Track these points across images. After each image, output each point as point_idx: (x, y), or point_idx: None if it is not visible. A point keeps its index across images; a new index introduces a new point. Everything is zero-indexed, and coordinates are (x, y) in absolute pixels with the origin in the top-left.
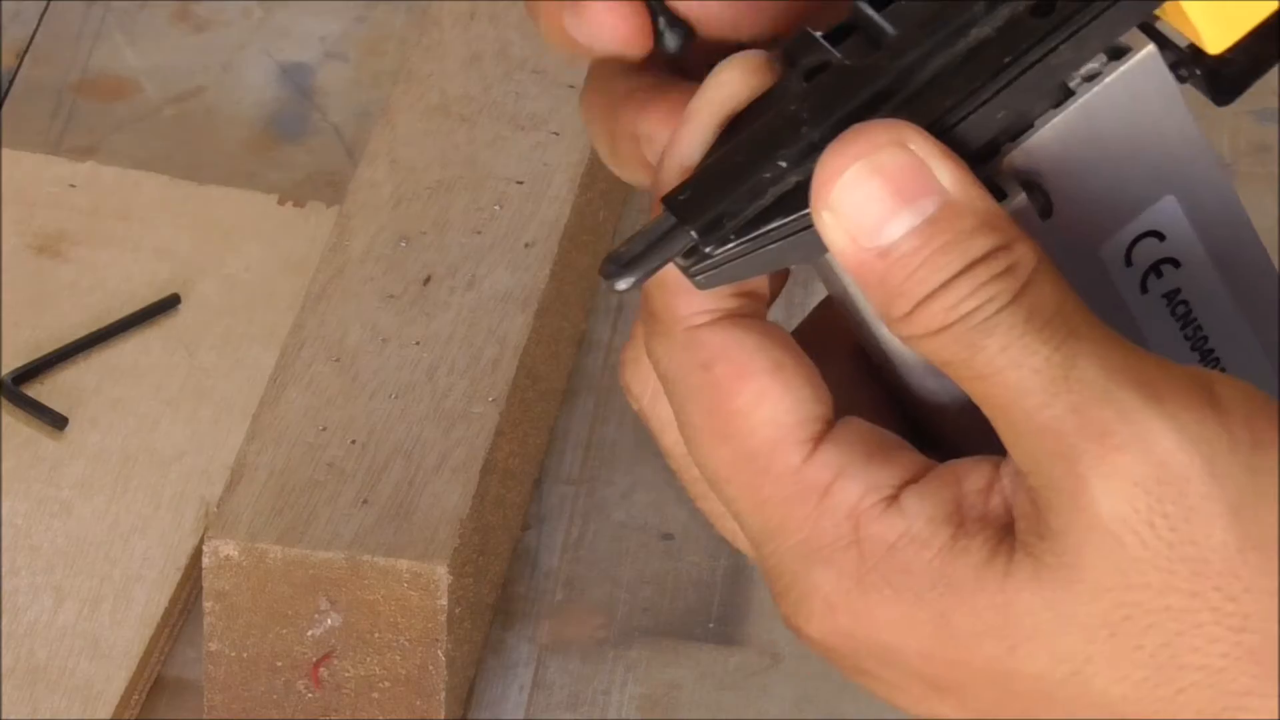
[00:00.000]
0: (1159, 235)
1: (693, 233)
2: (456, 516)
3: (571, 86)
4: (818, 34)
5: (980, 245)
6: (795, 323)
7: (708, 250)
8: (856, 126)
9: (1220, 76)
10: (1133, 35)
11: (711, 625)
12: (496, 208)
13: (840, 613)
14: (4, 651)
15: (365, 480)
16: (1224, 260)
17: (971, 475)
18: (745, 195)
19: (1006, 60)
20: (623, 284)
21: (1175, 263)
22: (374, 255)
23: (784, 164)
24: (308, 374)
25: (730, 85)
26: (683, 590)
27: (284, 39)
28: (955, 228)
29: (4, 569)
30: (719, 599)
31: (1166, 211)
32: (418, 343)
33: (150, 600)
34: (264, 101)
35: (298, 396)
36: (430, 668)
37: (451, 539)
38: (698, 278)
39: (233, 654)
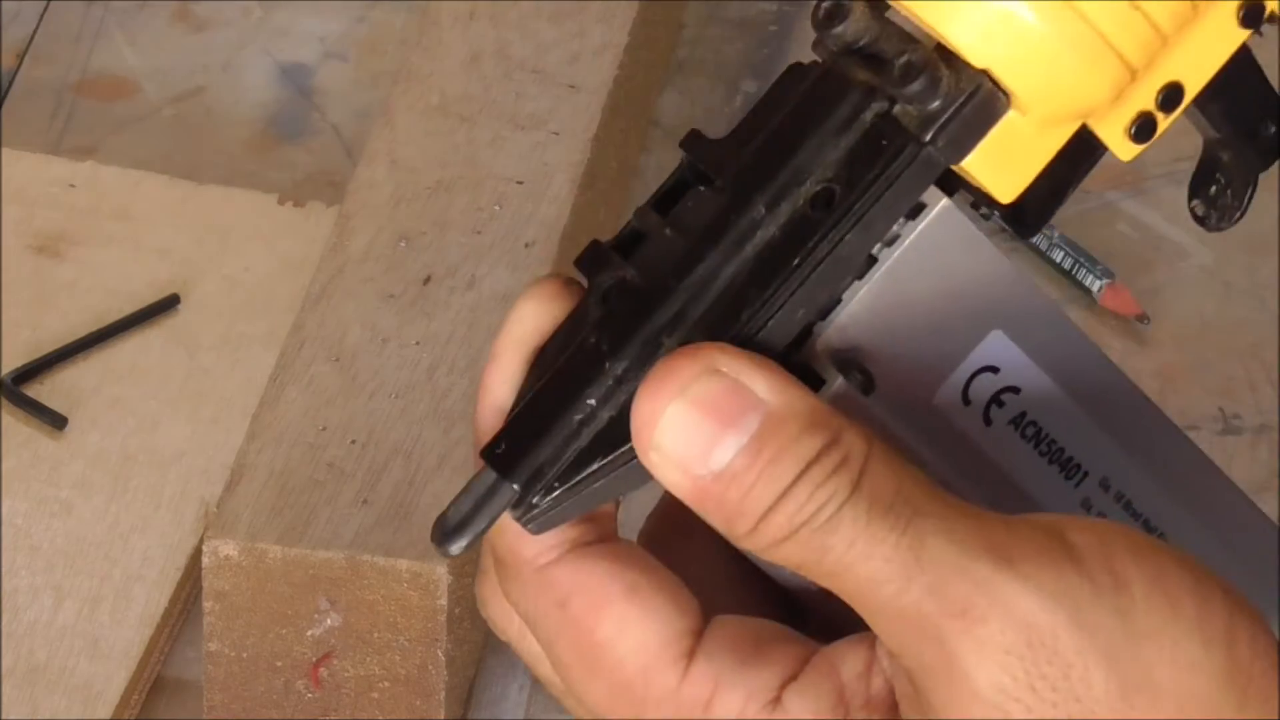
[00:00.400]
0: (993, 369)
1: (515, 487)
2: None
3: (572, 86)
4: (607, 243)
5: (809, 447)
6: None
7: (534, 501)
8: (665, 361)
9: (1023, 210)
10: (928, 190)
11: None
12: (496, 208)
13: None
14: (4, 651)
15: (365, 480)
16: (1064, 374)
17: (848, 660)
18: (561, 441)
19: (795, 262)
20: (455, 548)
21: (1015, 389)
22: (374, 255)
23: (593, 402)
24: (308, 374)
25: (530, 319)
26: None
27: (284, 39)
28: (781, 436)
29: (4, 569)
30: None
31: (995, 346)
32: (417, 342)
33: (150, 600)
34: (264, 101)
35: (298, 396)
36: (430, 668)
37: None
38: (529, 526)
39: (232, 654)
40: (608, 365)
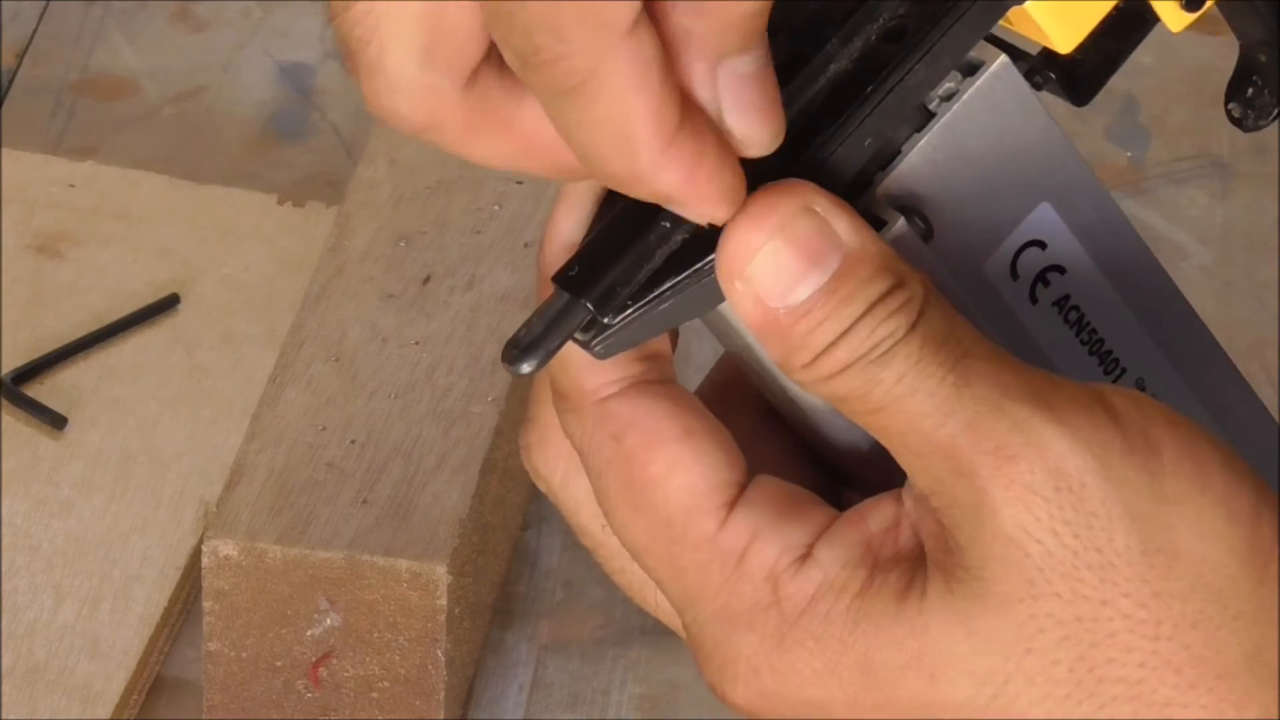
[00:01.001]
0: (1041, 244)
1: (589, 305)
2: (456, 516)
3: None
4: None
5: (877, 288)
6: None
7: (606, 320)
8: (764, 194)
9: (1075, 78)
10: (985, 49)
11: None
12: (496, 207)
13: (764, 675)
14: (4, 651)
15: (365, 480)
16: (1107, 260)
17: (876, 514)
18: (635, 260)
19: (869, 89)
20: (527, 367)
21: (1060, 269)
22: (373, 255)
23: (667, 224)
24: (307, 374)
25: None
26: None
27: (284, 39)
28: (855, 277)
29: (4, 569)
30: None
31: (1044, 219)
32: (417, 342)
33: (150, 600)
34: (264, 101)
35: (297, 396)
36: (430, 668)
37: (451, 539)
38: (597, 349)
39: (232, 654)
40: None
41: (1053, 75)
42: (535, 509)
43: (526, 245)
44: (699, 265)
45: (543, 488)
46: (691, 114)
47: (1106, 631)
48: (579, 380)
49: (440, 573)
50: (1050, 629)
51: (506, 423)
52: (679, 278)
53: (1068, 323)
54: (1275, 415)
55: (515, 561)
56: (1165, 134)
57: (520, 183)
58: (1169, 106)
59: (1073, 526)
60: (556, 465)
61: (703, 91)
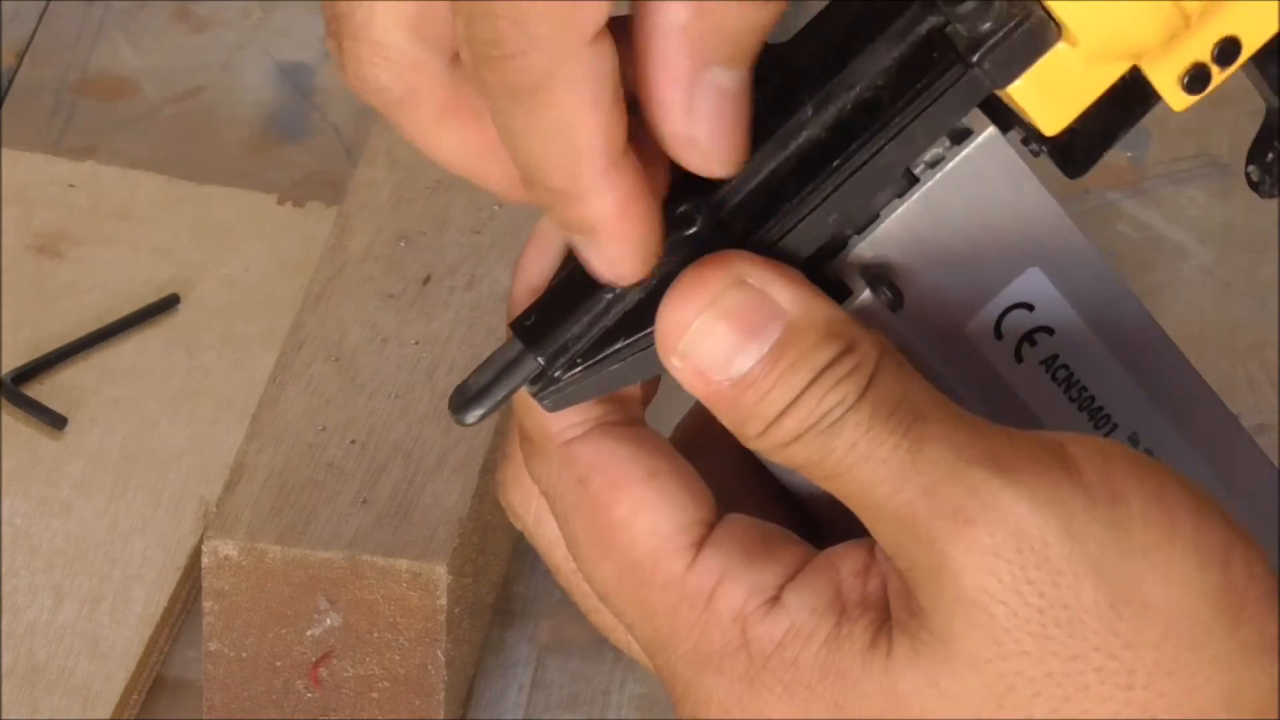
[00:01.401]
0: (1028, 306)
1: (539, 359)
2: (456, 516)
3: None
4: None
5: (824, 355)
6: None
7: (556, 375)
8: (694, 270)
9: (1070, 149)
10: (977, 116)
11: None
12: (496, 207)
13: (735, 716)
14: (4, 651)
15: (365, 480)
16: (1099, 321)
17: (847, 560)
18: (589, 318)
19: (835, 163)
20: (471, 418)
21: (1048, 330)
22: (373, 255)
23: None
24: (307, 374)
25: None
26: None
27: (284, 39)
28: (800, 346)
29: (4, 569)
30: None
31: (1032, 283)
32: (417, 342)
33: (150, 600)
34: (264, 101)
35: (297, 396)
36: (430, 668)
37: (451, 539)
38: (545, 402)
39: (232, 654)
40: None
41: (1045, 148)
42: None
43: None
44: (650, 329)
45: (518, 525)
46: (637, 145)
47: (1078, 685)
48: (542, 424)
49: (440, 573)
50: (1020, 686)
51: (506, 423)
52: (629, 339)
53: (1055, 380)
54: (1278, 419)
55: (515, 561)
56: (1165, 134)
57: None
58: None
59: (1037, 585)
60: (529, 504)
61: (675, 94)
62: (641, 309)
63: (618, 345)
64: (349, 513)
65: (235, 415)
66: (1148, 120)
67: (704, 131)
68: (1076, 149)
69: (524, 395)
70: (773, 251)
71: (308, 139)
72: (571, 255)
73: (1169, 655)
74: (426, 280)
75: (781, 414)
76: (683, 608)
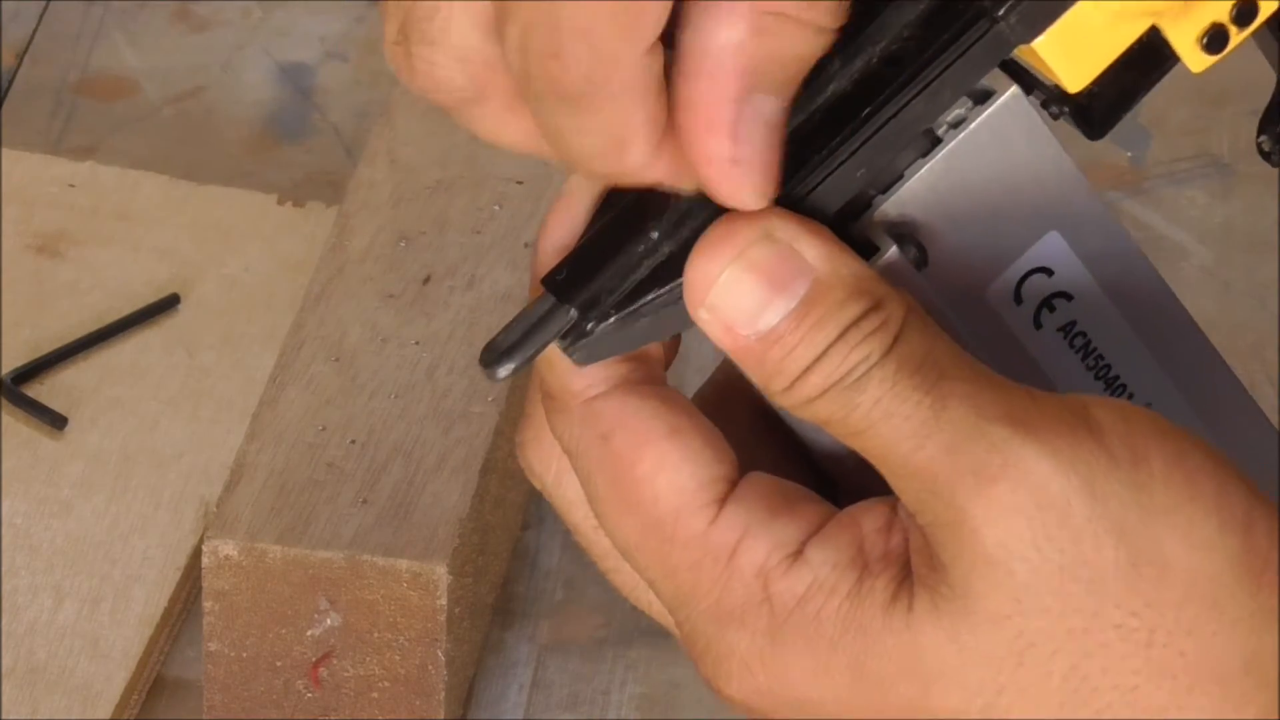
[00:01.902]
0: (1047, 271)
1: (572, 311)
2: (456, 516)
3: None
4: None
5: (851, 312)
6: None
7: (588, 327)
8: (722, 222)
9: (1090, 111)
10: (999, 78)
11: None
12: (496, 207)
13: (757, 672)
14: (4, 651)
15: (365, 480)
16: (1116, 288)
17: (869, 516)
18: (621, 269)
19: (863, 113)
20: (503, 371)
21: (1067, 296)
22: (373, 255)
23: (655, 235)
24: (307, 374)
25: None
26: None
27: (284, 39)
28: (826, 302)
29: (4, 569)
30: None
31: (1052, 247)
32: (417, 342)
33: (150, 600)
34: (264, 101)
35: (297, 396)
36: (430, 667)
37: (451, 539)
38: (576, 355)
39: (232, 654)
40: (673, 200)
41: (1066, 109)
42: (535, 509)
43: (526, 245)
44: (680, 280)
45: (537, 485)
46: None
47: (1099, 642)
48: (566, 380)
49: (440, 573)
50: (1040, 643)
51: (507, 423)
52: (661, 291)
53: (1073, 348)
54: (1278, 419)
55: (515, 561)
56: (1165, 134)
57: (520, 183)
58: (1169, 106)
59: (1057, 543)
60: (550, 463)
61: (725, 113)
62: (673, 261)
63: (650, 296)
64: (349, 513)
65: (235, 415)
66: (1148, 120)
67: (748, 155)
68: (1096, 111)
69: (547, 352)
70: (800, 207)
71: (308, 139)
72: (601, 213)
73: (1190, 615)
74: (426, 280)
75: (807, 370)
76: (705, 563)
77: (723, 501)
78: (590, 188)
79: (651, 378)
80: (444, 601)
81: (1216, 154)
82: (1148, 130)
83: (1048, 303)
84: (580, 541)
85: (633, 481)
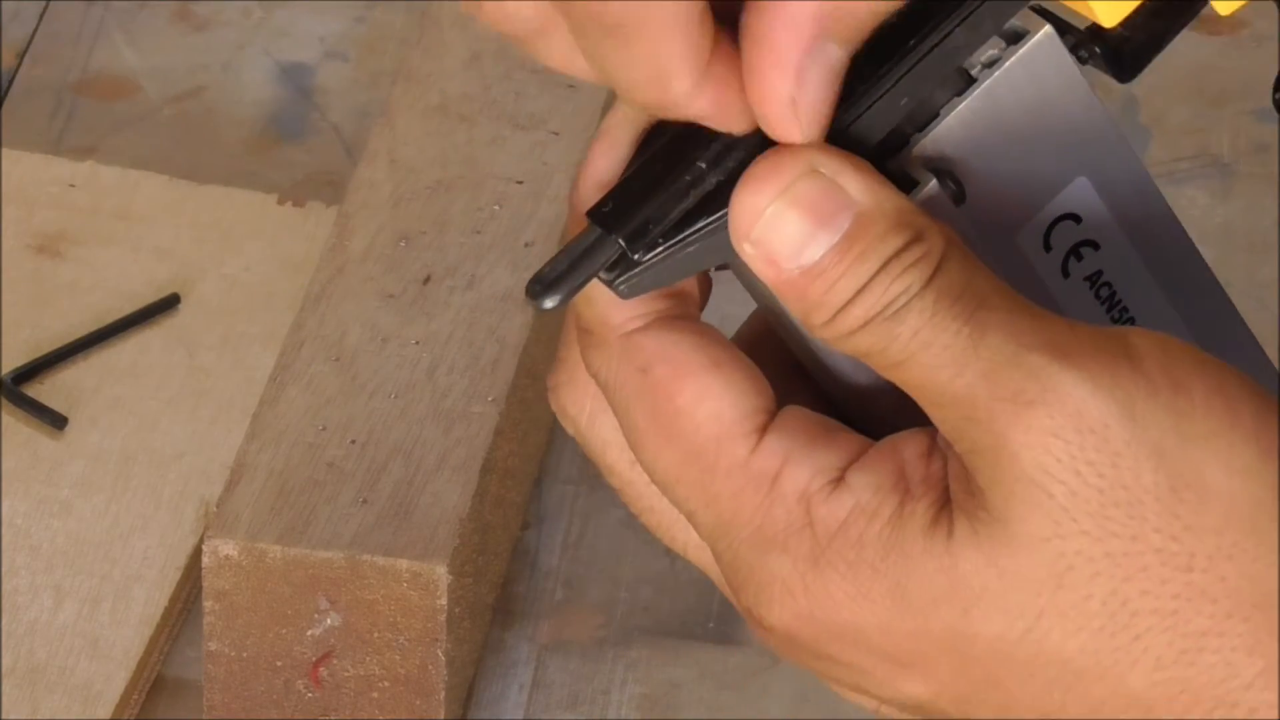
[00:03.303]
0: (1075, 218)
1: (620, 241)
2: (456, 516)
3: (571, 86)
4: None
5: (892, 244)
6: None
7: (635, 257)
8: (767, 156)
9: (1120, 55)
10: (1032, 20)
11: (711, 625)
12: (496, 207)
13: (799, 596)
14: (4, 651)
15: (365, 480)
16: (1141, 237)
17: (909, 443)
18: (669, 199)
19: (911, 43)
20: (550, 302)
21: (1094, 245)
22: (374, 255)
23: (702, 165)
24: (307, 373)
25: None
26: (683, 590)
27: (284, 39)
28: (869, 235)
29: (4, 569)
30: (719, 599)
31: (1080, 193)
32: (417, 342)
33: (150, 600)
34: (264, 101)
35: (297, 396)
36: (430, 667)
37: (451, 539)
38: (621, 287)
39: (232, 654)
40: (717, 133)
41: (1098, 50)
42: (535, 509)
43: (527, 245)
44: (726, 211)
45: (570, 429)
46: (722, 46)
47: (1138, 565)
48: (604, 315)
49: (440, 573)
50: (1080, 566)
51: (507, 422)
52: (710, 219)
53: (1099, 299)
54: None
55: (515, 561)
56: (1165, 134)
57: (520, 183)
58: (1169, 106)
59: (1096, 466)
60: (583, 405)
61: (794, 55)
62: (721, 190)
63: (698, 225)
64: (349, 512)
65: (235, 415)
66: (1148, 120)
67: (808, 98)
68: (1126, 55)
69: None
70: (844, 139)
71: (308, 139)
72: (641, 151)
73: (1229, 541)
74: (427, 280)
75: (849, 302)
76: (747, 491)
77: (763, 431)
78: (630, 125)
79: (689, 314)
80: (444, 601)
81: (1216, 154)
82: (1148, 130)
83: (1075, 250)
84: (614, 482)
85: (673, 412)
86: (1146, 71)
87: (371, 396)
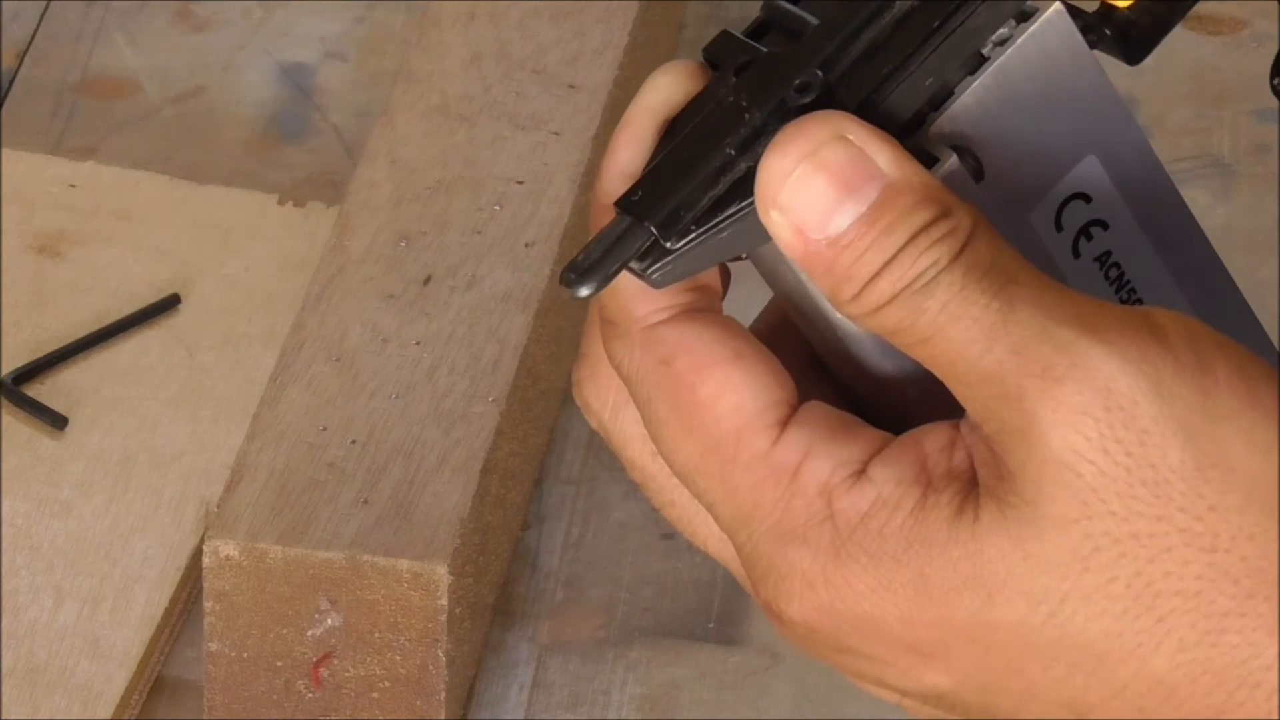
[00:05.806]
0: (1085, 197)
1: (653, 228)
2: (457, 516)
3: (571, 86)
4: (738, 33)
5: (920, 218)
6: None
7: (668, 244)
8: (795, 123)
9: (1129, 37)
10: (1041, 2)
11: (711, 625)
12: (496, 208)
13: (820, 589)
14: (4, 651)
15: (365, 480)
16: (1148, 217)
17: (932, 436)
18: (700, 186)
19: (934, 25)
20: (585, 290)
21: (1104, 224)
22: (374, 255)
23: (731, 151)
24: (308, 374)
25: (664, 89)
26: (683, 590)
27: (284, 39)
28: (897, 207)
29: (4, 569)
30: (719, 599)
31: (1090, 172)
32: (418, 343)
33: (150, 600)
34: (264, 101)
35: (298, 396)
36: (430, 668)
37: (451, 539)
38: (654, 276)
39: (233, 654)
40: (747, 116)
41: (1107, 33)
42: (535, 509)
43: (527, 245)
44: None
45: (593, 423)
46: None
47: (1163, 546)
48: (628, 306)
49: (441, 573)
50: (1106, 547)
51: (507, 423)
52: (741, 205)
53: (1108, 279)
54: None
55: (516, 561)
56: (1165, 134)
57: (520, 183)
58: (1169, 106)
59: (1124, 445)
60: (607, 398)
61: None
62: (750, 176)
63: (730, 211)
64: (350, 513)
65: (235, 415)
66: (1148, 120)
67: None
68: (1134, 37)
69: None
70: (870, 117)
71: (308, 139)
72: (664, 142)
73: (1251, 520)
74: (427, 280)
75: (876, 275)
76: (767, 483)
77: (784, 424)
78: (652, 116)
79: (711, 306)
80: (444, 602)
81: (1216, 154)
82: (1148, 130)
83: (1085, 230)
84: (635, 476)
85: (694, 404)
86: (1147, 72)
87: (372, 397)
